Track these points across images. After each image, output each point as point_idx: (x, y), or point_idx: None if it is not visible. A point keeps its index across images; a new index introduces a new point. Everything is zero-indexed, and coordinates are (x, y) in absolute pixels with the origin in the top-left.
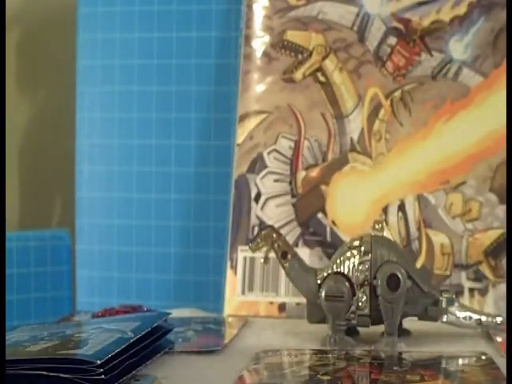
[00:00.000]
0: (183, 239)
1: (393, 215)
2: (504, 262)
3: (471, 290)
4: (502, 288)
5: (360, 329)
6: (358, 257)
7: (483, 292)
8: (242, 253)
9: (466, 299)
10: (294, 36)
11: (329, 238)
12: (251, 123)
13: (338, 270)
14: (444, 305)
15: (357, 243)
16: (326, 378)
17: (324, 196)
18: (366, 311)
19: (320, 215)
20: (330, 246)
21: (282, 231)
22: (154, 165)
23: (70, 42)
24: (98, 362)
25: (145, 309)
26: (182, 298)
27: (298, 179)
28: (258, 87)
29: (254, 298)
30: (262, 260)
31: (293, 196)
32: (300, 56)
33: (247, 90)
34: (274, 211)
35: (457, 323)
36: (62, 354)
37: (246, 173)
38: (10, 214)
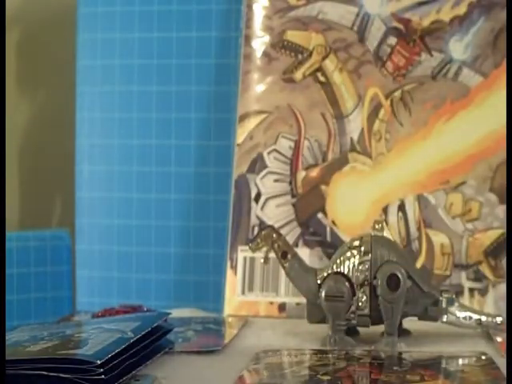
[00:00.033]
0: (183, 239)
1: (393, 215)
2: (504, 262)
3: (471, 290)
4: (502, 288)
5: (360, 329)
6: (357, 257)
7: (483, 292)
8: (242, 253)
9: (466, 299)
10: (293, 36)
11: (329, 238)
12: (251, 123)
13: (338, 270)
14: (444, 305)
15: (357, 243)
16: (325, 378)
17: (324, 196)
18: (366, 311)
19: (320, 215)
20: (330, 246)
21: (282, 231)
22: (153, 165)
23: (70, 42)
24: (98, 361)
25: (145, 309)
26: (182, 297)
27: (298, 179)
28: (257, 87)
29: (253, 298)
30: (262, 260)
31: (293, 196)
32: (300, 56)
33: (247, 90)
34: (274, 211)
35: (457, 323)
36: (62, 353)
37: (246, 173)
38: (10, 214)
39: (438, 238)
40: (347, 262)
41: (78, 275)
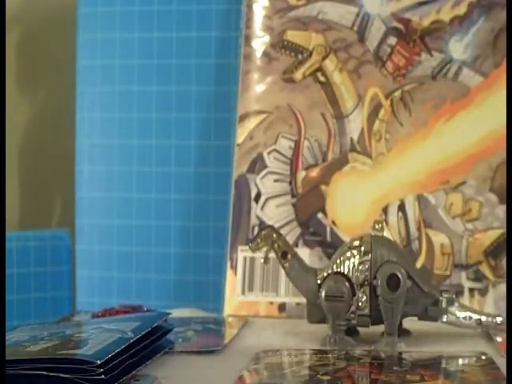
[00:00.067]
0: (183, 239)
1: (393, 215)
2: (504, 262)
3: (471, 290)
4: (502, 288)
5: (360, 329)
6: (357, 257)
7: (483, 292)
8: (242, 253)
9: (466, 299)
10: (293, 36)
11: (329, 238)
12: (251, 123)
13: (338, 270)
14: (444, 305)
15: (357, 243)
16: (325, 378)
17: (324, 196)
18: (366, 311)
19: (320, 215)
20: (330, 246)
21: (282, 231)
22: (154, 165)
23: (70, 42)
24: (98, 361)
25: (145, 309)
26: (182, 297)
27: (298, 179)
28: (258, 87)
29: (253, 298)
30: (262, 260)
31: (293, 196)
32: (300, 56)
33: (247, 89)
34: (274, 211)
35: (457, 323)
36: (62, 353)
37: (246, 173)
38: (10, 214)
39: (438, 238)
40: (347, 262)
41: (78, 275)
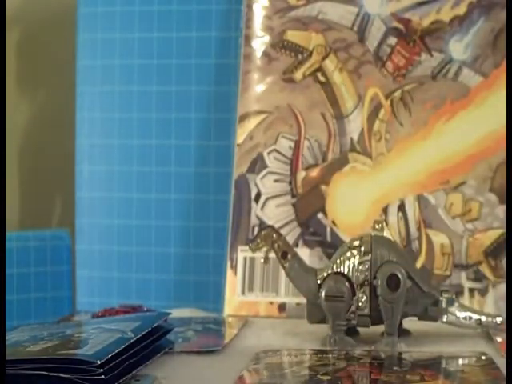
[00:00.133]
0: (183, 239)
1: (393, 215)
2: (504, 262)
3: (471, 290)
4: (502, 288)
5: (360, 329)
6: (357, 257)
7: (483, 292)
8: (242, 253)
9: (466, 299)
10: (293, 36)
11: (329, 238)
12: (251, 123)
13: (338, 270)
14: (444, 305)
15: (357, 243)
16: (325, 378)
17: (324, 196)
18: (366, 311)
19: (320, 215)
20: (330, 246)
21: (282, 231)
22: (154, 165)
23: (70, 42)
24: (98, 362)
25: (145, 309)
26: (182, 298)
27: (298, 179)
28: (258, 87)
29: (253, 298)
30: (262, 260)
31: (293, 196)
32: (300, 56)
33: (247, 89)
34: (274, 211)
35: (457, 323)
36: (62, 354)
37: (246, 173)
38: (10, 214)
39: (438, 238)
40: (347, 262)
41: (78, 275)
